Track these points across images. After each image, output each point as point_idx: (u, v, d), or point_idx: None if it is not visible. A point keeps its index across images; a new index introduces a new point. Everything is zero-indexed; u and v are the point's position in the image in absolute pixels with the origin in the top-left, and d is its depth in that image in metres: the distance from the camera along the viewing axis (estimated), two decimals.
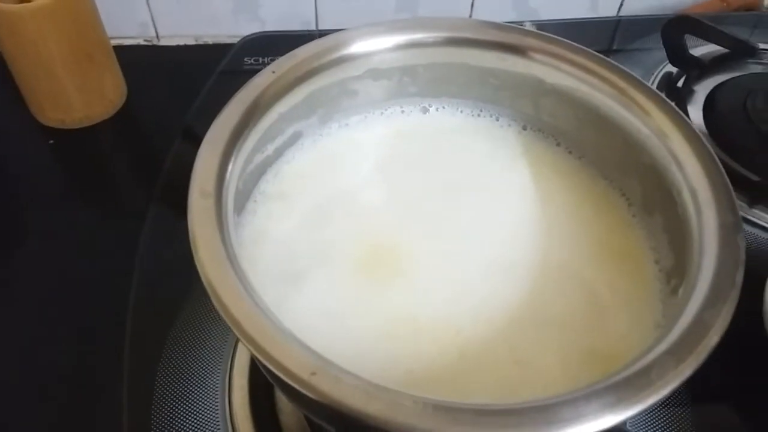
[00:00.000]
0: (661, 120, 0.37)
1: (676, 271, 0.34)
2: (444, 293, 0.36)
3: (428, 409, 0.25)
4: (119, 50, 0.66)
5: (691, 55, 0.63)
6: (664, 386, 0.26)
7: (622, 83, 0.38)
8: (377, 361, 0.33)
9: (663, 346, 0.27)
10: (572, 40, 0.41)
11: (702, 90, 0.62)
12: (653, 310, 0.34)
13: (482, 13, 0.76)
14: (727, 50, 0.63)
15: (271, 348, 0.26)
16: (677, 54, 0.62)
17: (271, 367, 0.26)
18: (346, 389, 0.25)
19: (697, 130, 0.36)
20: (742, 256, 0.30)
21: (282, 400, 0.44)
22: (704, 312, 0.28)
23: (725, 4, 0.76)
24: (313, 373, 0.26)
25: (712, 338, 0.27)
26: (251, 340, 0.27)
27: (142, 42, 0.76)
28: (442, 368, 0.33)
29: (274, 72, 0.38)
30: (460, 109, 0.45)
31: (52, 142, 0.63)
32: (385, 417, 0.25)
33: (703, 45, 0.64)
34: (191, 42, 0.76)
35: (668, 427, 0.43)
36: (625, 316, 0.35)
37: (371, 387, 0.25)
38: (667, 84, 0.63)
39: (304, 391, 0.25)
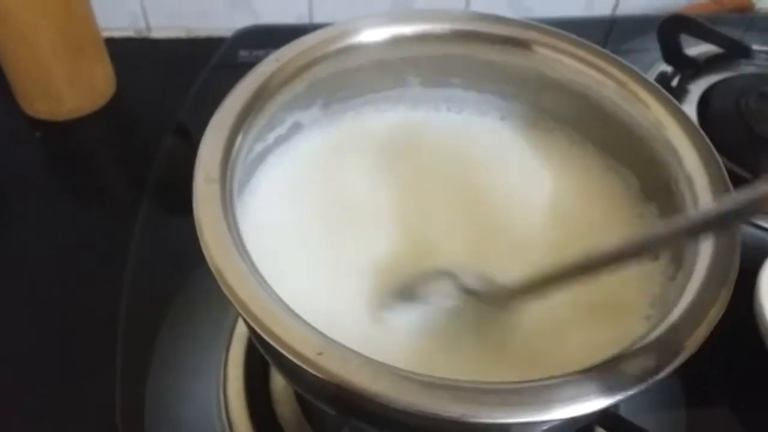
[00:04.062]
0: (658, 111, 0.37)
1: (674, 257, 0.34)
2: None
3: (433, 388, 0.25)
4: (109, 42, 0.65)
5: (686, 54, 0.64)
6: (664, 366, 0.27)
7: (622, 76, 0.39)
8: (381, 338, 0.34)
9: (662, 328, 0.28)
10: None
11: (696, 89, 0.63)
12: (650, 295, 0.35)
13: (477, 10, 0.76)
14: (721, 50, 0.64)
15: (278, 328, 0.27)
16: (672, 53, 0.63)
17: (278, 347, 0.26)
18: (353, 368, 0.26)
19: (694, 121, 0.37)
20: (738, 239, 0.31)
21: (278, 389, 0.44)
22: (703, 294, 0.29)
23: (718, 6, 0.77)
24: (320, 353, 0.26)
25: (711, 320, 0.28)
26: (258, 321, 0.27)
27: (132, 34, 0.75)
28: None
29: (278, 60, 0.38)
30: (463, 105, 0.45)
31: (39, 134, 0.63)
32: (391, 395, 0.25)
33: (697, 45, 0.65)
34: (183, 35, 0.76)
35: (662, 429, 0.43)
36: (621, 302, 0.36)
37: (378, 366, 0.26)
38: (662, 83, 0.63)
39: (311, 371, 0.26)
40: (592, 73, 0.40)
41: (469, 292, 0.34)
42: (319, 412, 0.42)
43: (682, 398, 0.45)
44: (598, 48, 0.40)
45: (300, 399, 0.43)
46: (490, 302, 0.34)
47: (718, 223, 0.27)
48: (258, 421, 0.43)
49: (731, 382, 0.47)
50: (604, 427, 0.39)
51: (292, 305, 0.28)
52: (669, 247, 0.31)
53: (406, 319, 0.35)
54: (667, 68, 0.65)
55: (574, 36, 0.41)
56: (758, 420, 0.46)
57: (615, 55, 0.40)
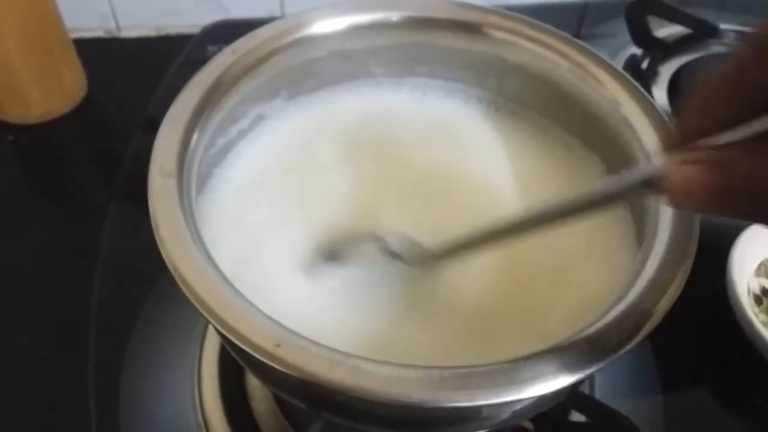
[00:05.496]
0: (615, 89, 0.37)
1: (638, 238, 0.34)
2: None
3: (392, 375, 0.25)
4: (79, 43, 0.65)
5: (655, 36, 0.64)
6: (621, 345, 0.27)
7: (580, 58, 0.39)
8: (341, 326, 0.33)
9: (620, 308, 0.28)
10: None
11: (666, 71, 0.63)
12: (616, 276, 0.35)
13: None
14: (690, 31, 0.64)
15: (236, 322, 0.26)
16: (641, 35, 0.63)
17: (236, 341, 0.26)
18: (311, 358, 0.25)
19: (649, 96, 0.37)
20: (697, 220, 0.31)
21: (253, 386, 0.44)
22: (660, 274, 0.29)
23: None
24: (278, 345, 0.26)
25: (669, 299, 0.28)
26: (215, 316, 0.27)
27: (102, 34, 0.75)
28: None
29: (234, 52, 0.38)
30: (425, 92, 0.45)
31: (11, 138, 0.62)
32: (350, 384, 0.25)
33: (666, 27, 0.65)
34: (153, 33, 0.75)
35: (638, 412, 0.43)
36: (590, 284, 0.36)
37: (335, 355, 0.26)
38: (632, 66, 0.64)
39: (270, 363, 0.25)
40: (552, 55, 0.39)
41: (392, 254, 0.35)
42: (294, 407, 0.42)
43: (658, 379, 0.45)
44: (557, 31, 0.40)
45: (276, 395, 0.43)
46: (413, 264, 0.34)
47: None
48: (234, 419, 0.42)
49: (707, 362, 0.48)
50: (578, 410, 0.40)
51: (257, 291, 0.28)
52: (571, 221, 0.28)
53: (334, 279, 0.36)
54: (638, 51, 0.65)
55: (532, 20, 0.41)
56: (734, 399, 0.46)
57: (572, 37, 0.40)
